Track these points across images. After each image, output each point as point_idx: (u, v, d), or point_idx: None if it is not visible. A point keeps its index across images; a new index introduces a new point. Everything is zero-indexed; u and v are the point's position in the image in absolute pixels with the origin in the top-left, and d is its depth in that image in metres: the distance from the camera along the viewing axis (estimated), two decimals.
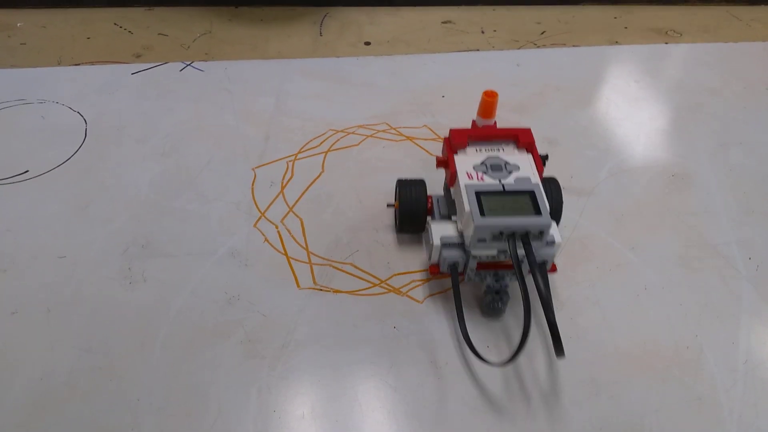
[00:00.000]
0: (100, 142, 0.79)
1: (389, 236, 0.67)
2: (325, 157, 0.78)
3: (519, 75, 0.95)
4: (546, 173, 0.59)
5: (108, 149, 0.78)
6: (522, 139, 0.60)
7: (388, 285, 0.62)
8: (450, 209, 0.61)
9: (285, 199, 0.72)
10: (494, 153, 0.59)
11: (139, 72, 0.93)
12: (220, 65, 0.95)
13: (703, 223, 0.71)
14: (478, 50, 1.02)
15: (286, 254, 0.65)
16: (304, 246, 0.66)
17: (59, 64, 0.95)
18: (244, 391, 0.53)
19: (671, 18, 1.14)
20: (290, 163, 0.77)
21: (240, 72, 0.94)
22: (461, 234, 0.56)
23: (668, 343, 0.58)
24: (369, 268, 0.64)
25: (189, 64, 0.95)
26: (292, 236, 0.67)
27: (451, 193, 0.61)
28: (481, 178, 0.56)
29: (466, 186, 0.55)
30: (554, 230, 0.57)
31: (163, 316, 0.59)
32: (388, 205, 0.66)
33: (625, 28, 1.10)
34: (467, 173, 0.57)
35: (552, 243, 0.56)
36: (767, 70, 0.98)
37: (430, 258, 0.58)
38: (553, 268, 0.59)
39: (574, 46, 1.04)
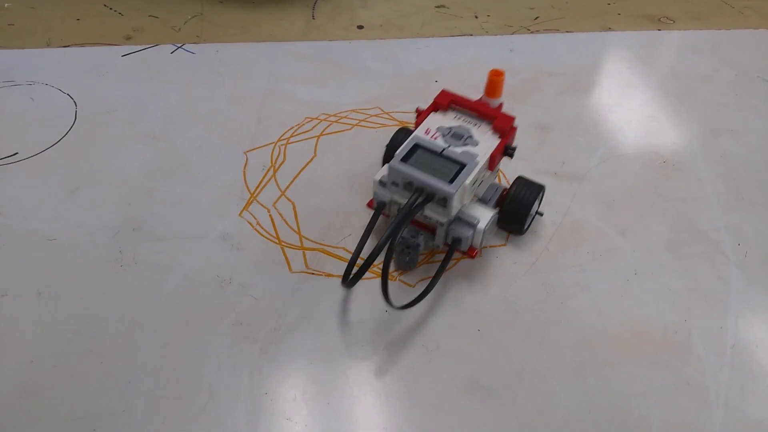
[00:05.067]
0: (90, 125, 0.78)
1: (382, 220, 0.67)
2: (317, 141, 0.78)
3: (512, 60, 0.95)
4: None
5: (98, 132, 0.77)
6: (498, 122, 0.59)
7: (380, 269, 0.62)
8: None
9: (277, 183, 0.71)
10: (466, 125, 0.59)
11: (129, 54, 0.92)
12: (211, 48, 0.94)
13: (693, 209, 0.71)
14: (471, 35, 1.02)
15: (278, 238, 0.65)
16: (296, 230, 0.66)
17: (48, 45, 0.93)
18: (236, 374, 0.53)
19: (664, 5, 1.13)
20: (282, 147, 0.76)
21: (231, 55, 0.93)
22: None
23: (657, 327, 0.59)
24: (361, 252, 0.64)
25: (180, 47, 0.94)
26: (284, 220, 0.67)
27: None
28: (435, 138, 0.58)
29: (413, 137, 0.57)
30: (481, 214, 0.58)
31: (154, 299, 0.59)
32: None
33: (619, 14, 1.10)
34: (427, 129, 0.58)
35: (471, 224, 0.58)
36: (759, 58, 0.98)
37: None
38: (472, 252, 0.59)
39: (567, 32, 1.04)
